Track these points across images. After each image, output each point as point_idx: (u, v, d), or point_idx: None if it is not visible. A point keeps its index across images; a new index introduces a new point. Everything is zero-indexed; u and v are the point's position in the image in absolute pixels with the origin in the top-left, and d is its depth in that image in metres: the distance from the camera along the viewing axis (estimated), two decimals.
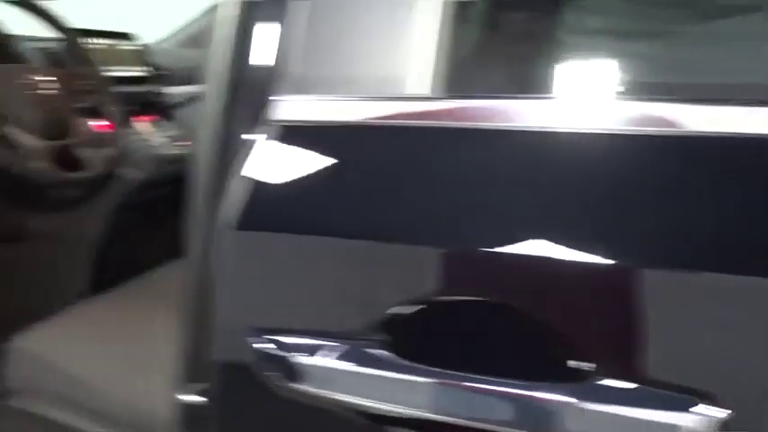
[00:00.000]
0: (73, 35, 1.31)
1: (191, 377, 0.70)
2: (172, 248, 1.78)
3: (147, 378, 1.03)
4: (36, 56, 1.41)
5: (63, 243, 1.60)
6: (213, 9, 2.47)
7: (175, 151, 1.68)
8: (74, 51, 1.31)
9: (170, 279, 1.42)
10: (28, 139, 1.12)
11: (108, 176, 1.29)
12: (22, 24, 1.40)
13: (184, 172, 1.72)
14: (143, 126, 1.63)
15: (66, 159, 1.20)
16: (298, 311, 0.60)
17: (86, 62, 1.31)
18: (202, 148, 0.67)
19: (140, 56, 1.72)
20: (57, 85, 1.21)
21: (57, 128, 1.17)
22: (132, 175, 1.53)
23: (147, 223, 1.93)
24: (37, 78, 1.18)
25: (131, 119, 1.56)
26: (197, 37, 2.48)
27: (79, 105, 1.25)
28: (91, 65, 1.31)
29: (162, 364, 1.07)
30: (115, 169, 1.33)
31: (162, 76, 1.79)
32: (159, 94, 1.74)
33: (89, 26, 1.50)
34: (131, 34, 1.71)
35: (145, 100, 1.67)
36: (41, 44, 1.47)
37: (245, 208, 0.60)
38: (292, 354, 0.57)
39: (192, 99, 1.91)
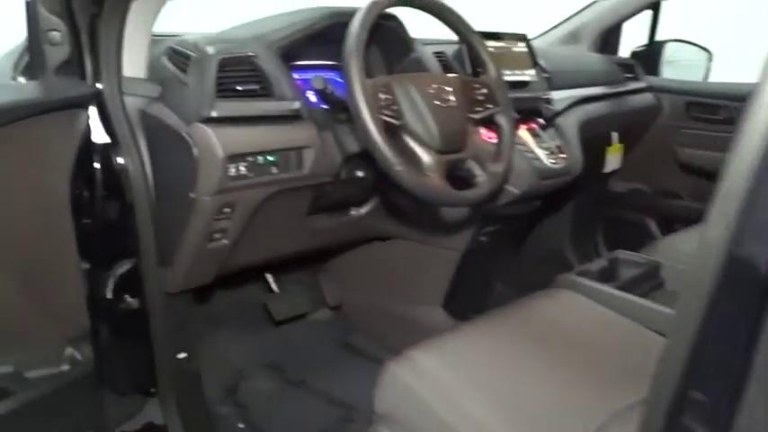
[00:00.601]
0: (476, 38, 1.19)
1: None
2: (542, 269, 1.63)
3: None
4: (431, 60, 1.36)
5: (433, 249, 1.56)
6: (596, 2, 2.21)
7: (553, 165, 1.51)
8: (476, 56, 1.20)
9: (563, 310, 1.22)
10: (422, 152, 1.04)
11: (494, 194, 1.16)
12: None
13: (560, 187, 1.55)
14: (525, 135, 1.49)
15: (457, 174, 1.09)
16: None
17: (488, 68, 1.18)
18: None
19: (530, 58, 1.57)
20: (455, 95, 1.11)
21: (452, 140, 1.07)
22: (510, 189, 1.40)
23: (515, 238, 1.80)
24: (439, 88, 1.09)
25: (517, 127, 1.42)
26: (577, 34, 2.25)
27: (475, 116, 1.13)
28: (492, 71, 1.18)
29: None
30: (502, 186, 1.19)
31: (544, 79, 1.62)
32: (546, 99, 1.57)
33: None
34: (526, 35, 1.57)
35: (528, 106, 1.53)
36: (434, 47, 1.42)
37: None
38: None
39: (571, 105, 1.71)
